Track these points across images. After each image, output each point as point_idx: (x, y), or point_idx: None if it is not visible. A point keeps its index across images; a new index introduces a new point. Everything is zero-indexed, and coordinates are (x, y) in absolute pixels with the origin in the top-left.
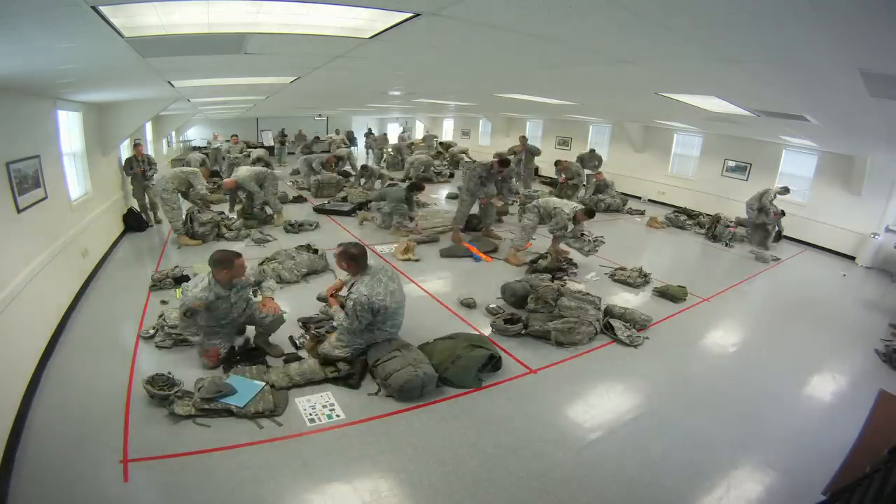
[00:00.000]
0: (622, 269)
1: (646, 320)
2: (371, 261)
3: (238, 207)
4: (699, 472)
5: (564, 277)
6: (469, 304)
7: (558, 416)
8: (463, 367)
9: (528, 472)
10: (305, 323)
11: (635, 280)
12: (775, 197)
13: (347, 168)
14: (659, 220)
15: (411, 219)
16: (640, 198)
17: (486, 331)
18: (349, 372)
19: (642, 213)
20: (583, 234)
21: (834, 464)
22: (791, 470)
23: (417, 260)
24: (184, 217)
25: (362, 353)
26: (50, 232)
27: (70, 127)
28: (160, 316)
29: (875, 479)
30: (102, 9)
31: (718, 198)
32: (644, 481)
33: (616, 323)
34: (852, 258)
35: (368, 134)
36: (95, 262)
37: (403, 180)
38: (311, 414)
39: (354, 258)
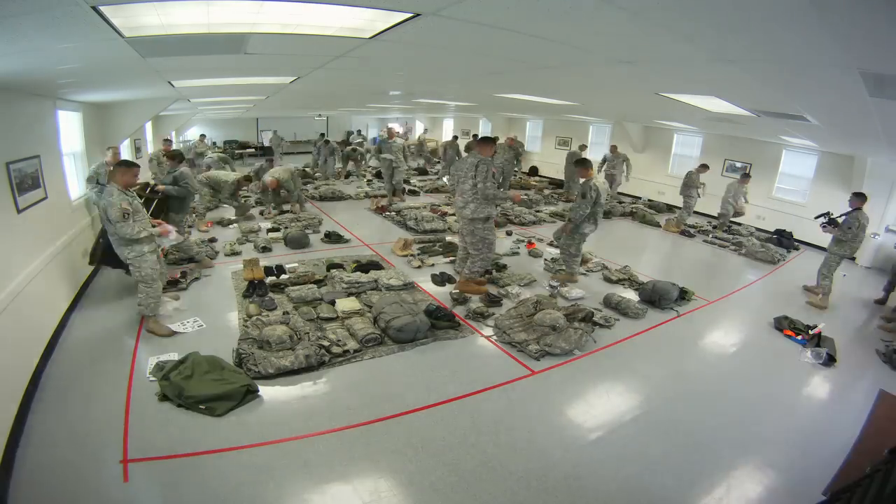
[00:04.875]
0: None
1: (639, 311)
2: None
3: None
4: (699, 472)
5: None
6: (458, 300)
7: (558, 416)
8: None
9: (528, 472)
10: None
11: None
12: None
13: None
14: (674, 224)
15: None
16: (639, 198)
17: (487, 331)
18: None
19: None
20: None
21: (834, 464)
22: (791, 470)
23: (415, 255)
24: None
25: None
26: (50, 232)
27: (70, 127)
28: None
29: (875, 479)
30: (102, 9)
31: (718, 198)
32: (644, 481)
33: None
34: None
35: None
36: (91, 261)
37: None
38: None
39: None
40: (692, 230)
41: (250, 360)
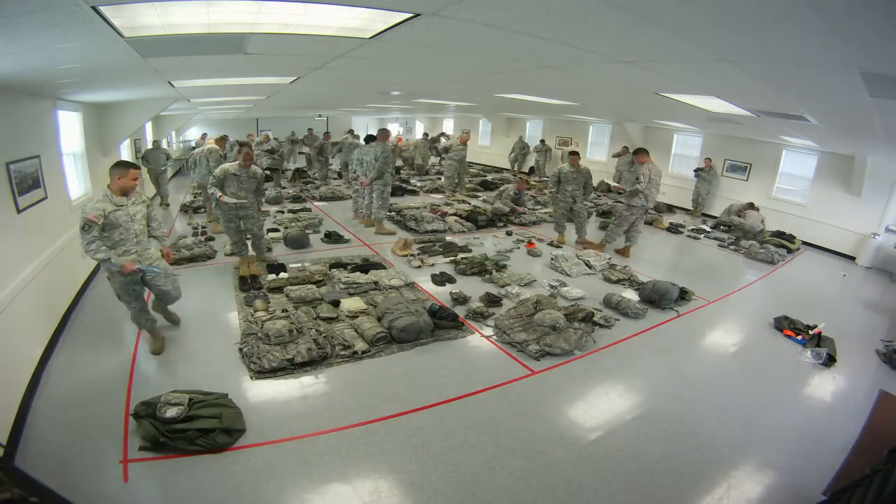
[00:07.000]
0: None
1: (639, 311)
2: None
3: None
4: (699, 472)
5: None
6: (459, 299)
7: (558, 416)
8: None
9: (528, 472)
10: None
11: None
12: None
13: None
14: (664, 221)
15: None
16: None
17: (487, 331)
18: None
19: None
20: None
21: (834, 464)
22: (791, 470)
23: (415, 255)
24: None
25: None
26: (50, 232)
27: (70, 127)
28: None
29: (875, 479)
30: (102, 9)
31: (718, 197)
32: (644, 481)
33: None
34: (852, 258)
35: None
36: (95, 262)
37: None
38: None
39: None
40: (680, 227)
41: (253, 355)
